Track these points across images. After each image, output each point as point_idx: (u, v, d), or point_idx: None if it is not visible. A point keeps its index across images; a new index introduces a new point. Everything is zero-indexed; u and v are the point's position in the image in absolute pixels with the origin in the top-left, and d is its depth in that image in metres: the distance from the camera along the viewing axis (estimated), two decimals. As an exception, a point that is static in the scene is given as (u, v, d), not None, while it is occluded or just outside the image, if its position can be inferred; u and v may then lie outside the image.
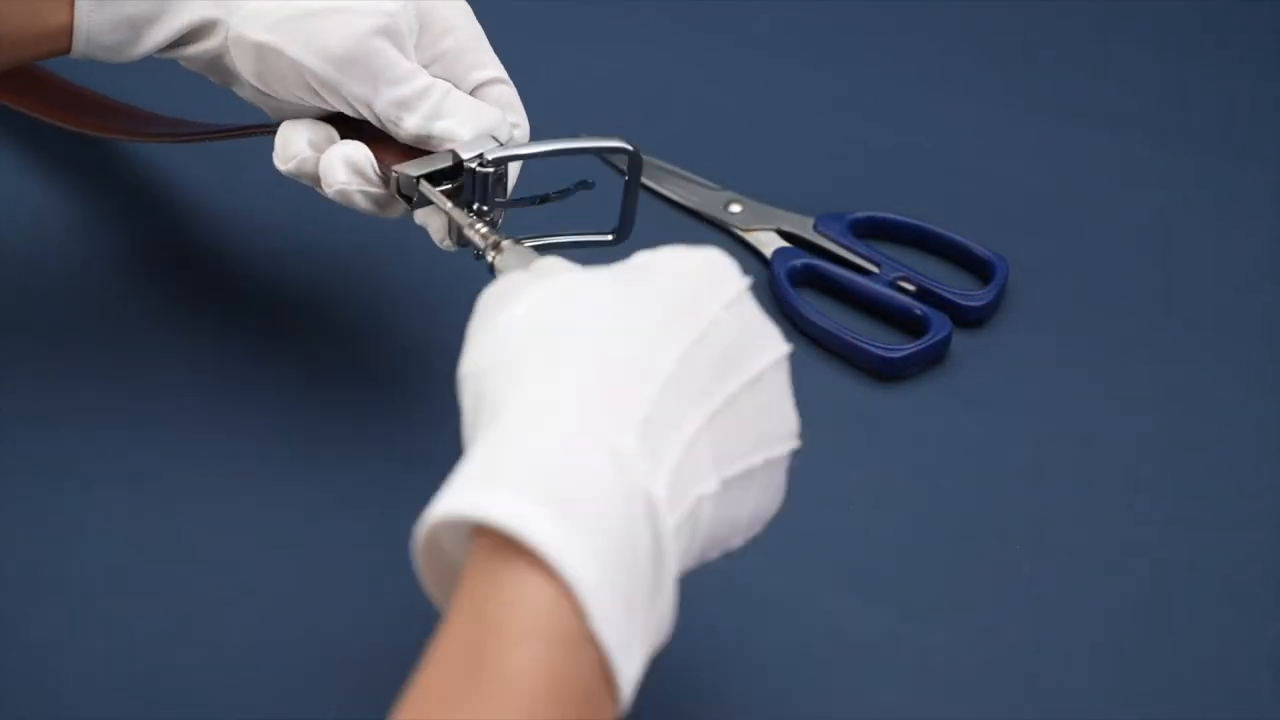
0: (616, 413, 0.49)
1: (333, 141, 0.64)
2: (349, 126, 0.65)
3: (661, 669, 0.63)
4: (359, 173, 0.64)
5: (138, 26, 0.63)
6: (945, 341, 0.73)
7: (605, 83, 0.85)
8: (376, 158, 0.64)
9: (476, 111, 0.64)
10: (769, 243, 0.78)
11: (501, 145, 0.64)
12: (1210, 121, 0.84)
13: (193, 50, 0.64)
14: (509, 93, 0.66)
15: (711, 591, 0.66)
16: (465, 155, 0.63)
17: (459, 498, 0.47)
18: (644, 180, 0.80)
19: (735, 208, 0.79)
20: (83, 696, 0.62)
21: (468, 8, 0.66)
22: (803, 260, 0.77)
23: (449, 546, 0.50)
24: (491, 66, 0.66)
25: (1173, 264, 0.78)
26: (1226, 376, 0.74)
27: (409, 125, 0.63)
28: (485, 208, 0.64)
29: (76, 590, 0.65)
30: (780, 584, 0.66)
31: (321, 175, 0.64)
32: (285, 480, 0.68)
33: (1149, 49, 0.88)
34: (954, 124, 0.84)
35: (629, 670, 0.48)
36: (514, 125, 0.66)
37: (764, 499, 0.54)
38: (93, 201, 0.78)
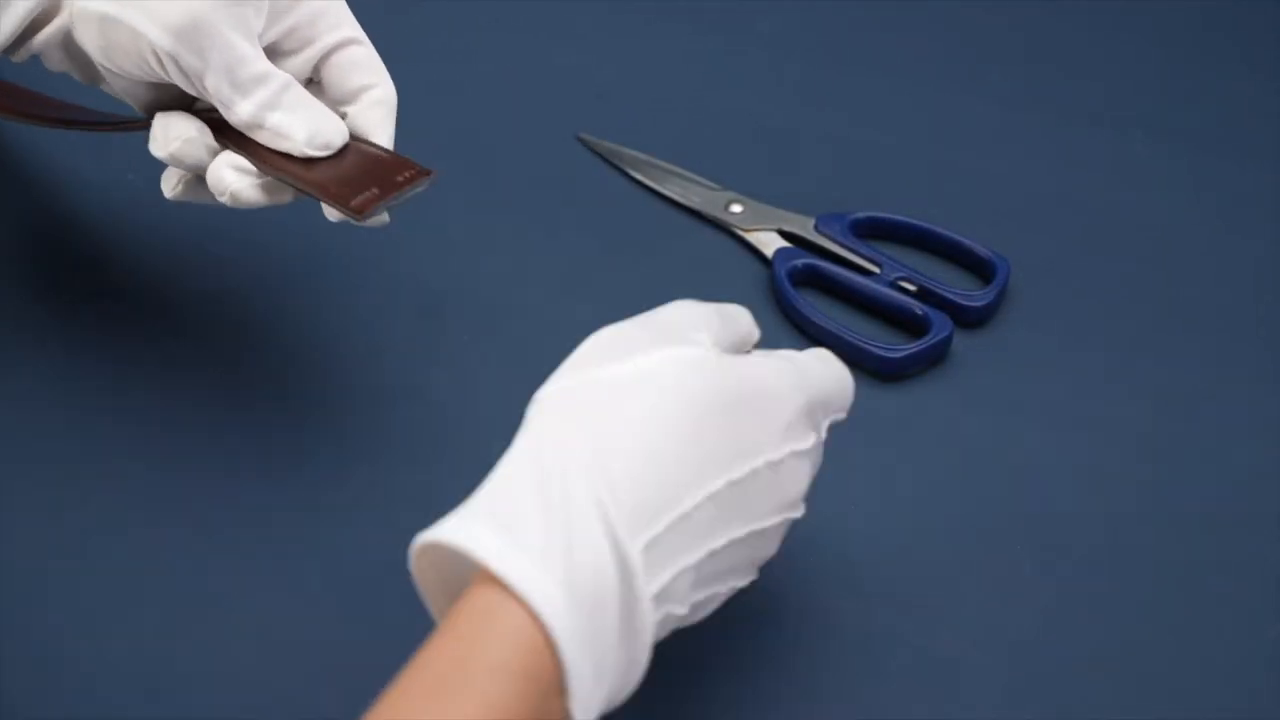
0: (634, 517, 0.52)
1: (205, 133, 0.64)
2: (225, 131, 0.64)
3: (660, 669, 0.64)
4: (246, 170, 0.63)
5: None
6: (946, 341, 0.74)
7: (606, 82, 0.85)
8: (249, 151, 0.63)
9: (318, 114, 0.63)
10: (770, 243, 0.78)
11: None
12: (1210, 121, 0.84)
13: (44, 34, 0.64)
14: (363, 53, 0.65)
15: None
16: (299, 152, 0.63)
17: (451, 528, 0.52)
18: (646, 180, 0.80)
19: (736, 208, 0.79)
20: (83, 696, 0.62)
21: None
22: (804, 260, 0.77)
23: (448, 564, 0.54)
24: (345, 28, 0.65)
25: (1173, 264, 0.78)
26: (1226, 376, 0.74)
27: (241, 110, 0.62)
28: None
29: (78, 592, 0.65)
30: (780, 583, 0.66)
31: (212, 187, 0.64)
32: (283, 480, 0.69)
33: (1149, 49, 0.88)
34: (954, 124, 0.84)
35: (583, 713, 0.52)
36: (371, 85, 0.65)
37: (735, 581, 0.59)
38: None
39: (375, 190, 0.63)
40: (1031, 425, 0.72)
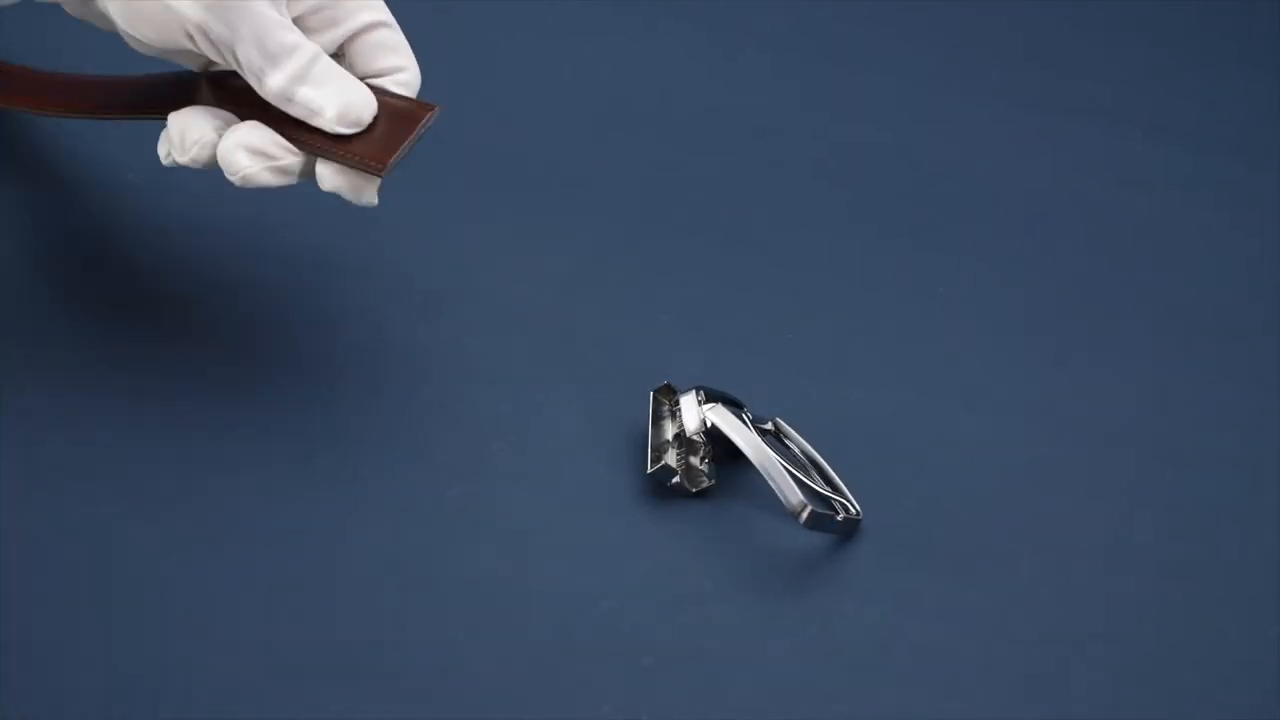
0: None
1: (219, 126, 0.63)
2: (246, 102, 0.64)
3: (660, 669, 0.64)
4: (260, 153, 0.63)
5: None
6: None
7: (606, 81, 0.85)
8: (278, 126, 0.63)
9: (346, 87, 0.63)
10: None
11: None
12: (1210, 121, 0.84)
13: None
14: (392, 36, 0.65)
15: (711, 591, 0.66)
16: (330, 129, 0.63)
17: None
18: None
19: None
20: (82, 697, 0.62)
21: None
22: None
23: None
24: (373, 9, 0.64)
25: (1173, 264, 0.78)
26: (1226, 376, 0.74)
27: (272, 83, 0.62)
28: None
29: (78, 591, 0.65)
30: (780, 584, 0.66)
31: (223, 166, 0.63)
32: (282, 479, 0.69)
33: (1149, 49, 0.88)
34: (952, 123, 0.84)
35: None
36: (399, 69, 0.65)
37: None
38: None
39: (393, 145, 0.63)
40: (1031, 424, 0.72)
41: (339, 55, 0.65)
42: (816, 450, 0.69)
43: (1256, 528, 0.68)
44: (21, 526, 0.66)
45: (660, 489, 0.68)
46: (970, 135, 0.84)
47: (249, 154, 0.63)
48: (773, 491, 0.65)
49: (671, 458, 0.68)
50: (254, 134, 0.63)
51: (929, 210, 0.79)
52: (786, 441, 0.70)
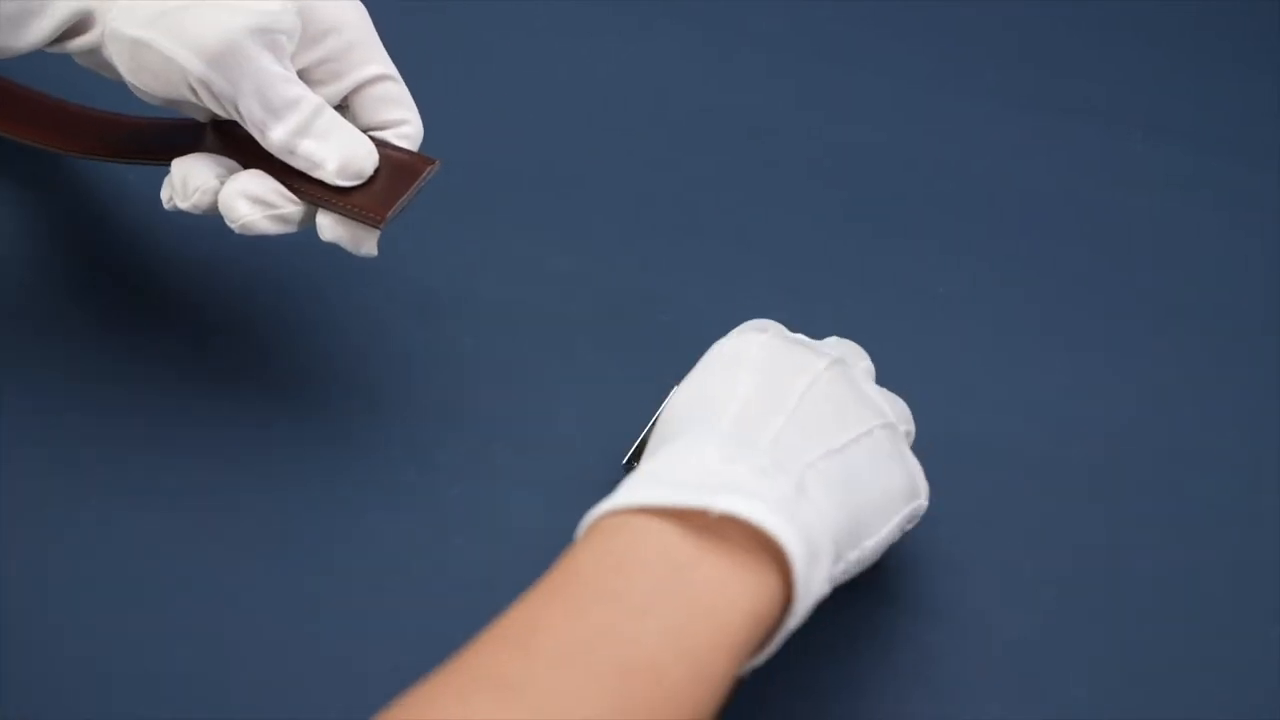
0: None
1: (221, 174, 0.64)
2: (250, 151, 0.65)
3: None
4: (261, 201, 0.64)
5: (16, 20, 0.63)
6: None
7: (605, 81, 0.85)
8: (281, 176, 0.64)
9: (349, 140, 0.64)
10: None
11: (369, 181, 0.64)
12: (1210, 121, 0.84)
13: (75, 44, 0.64)
14: (396, 89, 0.66)
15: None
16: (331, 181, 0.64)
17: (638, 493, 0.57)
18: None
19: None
20: (82, 697, 0.62)
21: (358, 5, 0.65)
22: None
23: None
24: (377, 63, 0.65)
25: (1173, 264, 0.78)
26: (1227, 377, 0.74)
27: (274, 136, 0.63)
28: None
29: (77, 592, 0.65)
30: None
31: (224, 213, 0.64)
32: (283, 478, 0.69)
33: (1149, 49, 0.88)
34: (950, 123, 0.84)
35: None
36: (402, 122, 0.66)
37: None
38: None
39: (392, 198, 0.64)
40: (1030, 424, 0.72)
41: (343, 106, 0.66)
42: None
43: (1256, 528, 0.69)
44: (21, 526, 0.66)
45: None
46: (966, 135, 0.84)
47: (249, 202, 0.64)
48: None
49: None
50: (255, 182, 0.64)
51: (925, 210, 0.79)
52: None
